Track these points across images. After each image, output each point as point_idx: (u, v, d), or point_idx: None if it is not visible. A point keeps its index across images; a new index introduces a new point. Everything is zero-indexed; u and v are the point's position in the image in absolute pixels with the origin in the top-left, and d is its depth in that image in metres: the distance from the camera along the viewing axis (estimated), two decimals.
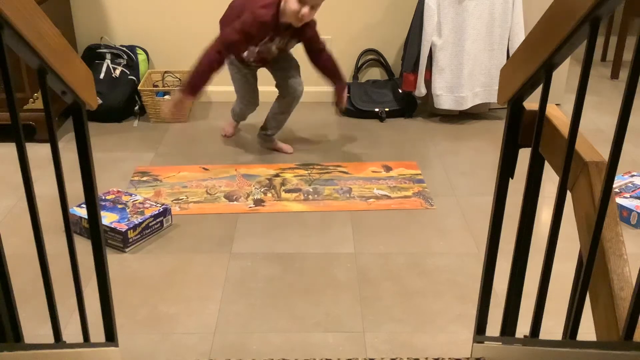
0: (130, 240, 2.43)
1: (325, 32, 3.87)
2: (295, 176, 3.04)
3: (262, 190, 2.91)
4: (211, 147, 3.35)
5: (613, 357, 0.96)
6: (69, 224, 1.40)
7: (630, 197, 2.73)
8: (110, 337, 1.63)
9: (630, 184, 2.85)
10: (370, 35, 3.89)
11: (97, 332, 1.60)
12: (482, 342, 1.59)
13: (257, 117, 3.41)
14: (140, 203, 2.60)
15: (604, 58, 4.86)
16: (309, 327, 2.05)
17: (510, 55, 2.49)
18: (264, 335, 2.00)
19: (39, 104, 3.13)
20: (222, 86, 3.94)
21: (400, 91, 3.75)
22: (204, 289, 2.23)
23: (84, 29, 3.81)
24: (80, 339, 1.52)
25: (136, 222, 2.45)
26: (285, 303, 2.16)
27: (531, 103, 1.37)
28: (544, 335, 1.29)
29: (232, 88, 4.02)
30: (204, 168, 3.11)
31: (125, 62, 3.71)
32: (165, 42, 3.85)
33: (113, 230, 2.42)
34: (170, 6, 3.77)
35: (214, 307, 2.12)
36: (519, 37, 3.52)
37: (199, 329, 2.03)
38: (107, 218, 2.46)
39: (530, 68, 1.23)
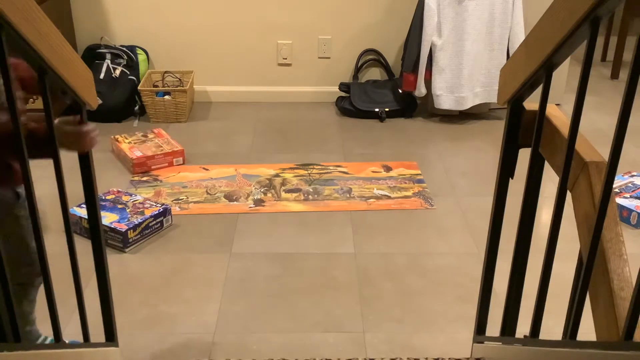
0: (130, 240, 2.43)
1: (325, 32, 3.88)
2: (295, 176, 3.04)
3: (262, 190, 2.91)
4: (211, 147, 3.35)
5: (613, 357, 0.96)
6: (69, 224, 1.40)
7: (630, 197, 2.73)
8: (110, 337, 1.63)
9: (630, 184, 2.84)
10: (370, 35, 3.89)
11: (97, 332, 1.60)
12: (482, 342, 1.59)
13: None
14: (140, 203, 2.60)
15: (604, 58, 4.86)
16: (309, 327, 2.05)
17: (510, 55, 2.49)
18: (264, 335, 2.00)
19: (39, 104, 3.13)
20: (221, 86, 3.95)
21: (400, 91, 3.75)
22: (204, 289, 2.22)
23: (84, 29, 3.81)
24: (80, 339, 1.52)
25: (136, 222, 2.45)
26: (285, 303, 2.16)
27: (531, 103, 1.37)
28: (544, 335, 1.29)
29: (232, 88, 4.04)
30: (204, 168, 3.11)
31: (125, 62, 3.70)
32: (165, 42, 3.85)
33: (113, 230, 2.41)
34: (170, 6, 3.77)
35: (214, 307, 2.12)
36: (519, 37, 3.52)
37: (199, 329, 2.03)
38: (107, 218, 2.46)
39: (530, 68, 1.23)
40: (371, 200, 2.85)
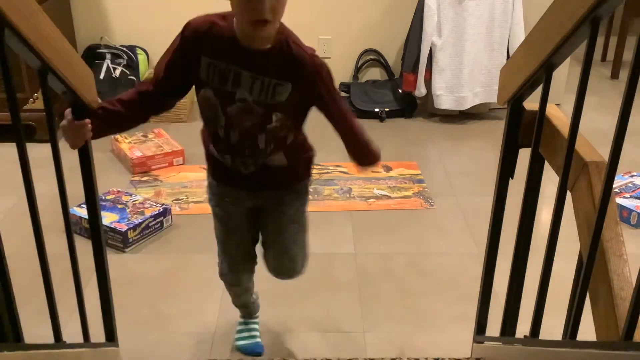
0: (130, 240, 2.43)
1: (325, 32, 3.87)
2: None
3: None
4: None
5: (613, 357, 0.96)
6: (69, 224, 1.40)
7: (630, 197, 2.73)
8: (110, 337, 1.63)
9: (630, 184, 2.85)
10: (370, 35, 3.89)
11: (97, 332, 1.60)
12: (482, 342, 1.59)
13: None
14: (140, 203, 2.60)
15: (604, 58, 4.86)
16: (309, 327, 2.04)
17: (510, 55, 2.49)
18: (264, 335, 2.00)
19: (39, 104, 3.13)
20: None
21: (400, 91, 3.75)
22: (204, 289, 2.22)
23: (84, 29, 3.81)
24: (80, 339, 1.52)
25: (136, 222, 2.45)
26: (285, 303, 2.16)
27: (531, 103, 1.37)
28: (544, 335, 1.29)
29: None
30: (204, 168, 3.10)
31: (125, 62, 3.70)
32: (165, 42, 3.82)
33: (113, 230, 2.41)
34: (170, 6, 3.77)
35: (214, 307, 2.12)
36: (519, 37, 3.52)
37: (199, 329, 2.02)
38: (107, 218, 2.46)
39: (530, 68, 1.24)
40: (371, 200, 2.85)
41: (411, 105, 3.80)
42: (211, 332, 2.01)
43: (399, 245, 2.51)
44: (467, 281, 2.26)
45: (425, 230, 2.62)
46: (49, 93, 1.25)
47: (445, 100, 3.60)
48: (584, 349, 1.06)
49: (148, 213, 2.52)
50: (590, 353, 1.03)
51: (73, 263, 1.42)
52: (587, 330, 1.13)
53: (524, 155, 1.39)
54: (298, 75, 1.44)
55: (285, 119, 1.49)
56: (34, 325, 1.69)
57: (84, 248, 1.55)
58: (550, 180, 1.38)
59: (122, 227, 2.42)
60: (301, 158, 1.68)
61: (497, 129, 3.63)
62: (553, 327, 1.34)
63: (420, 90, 3.62)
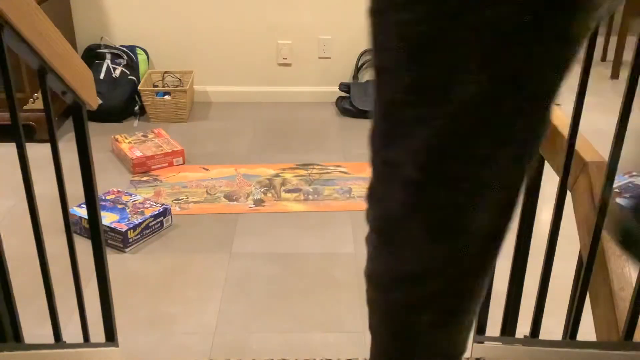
0: (130, 240, 2.43)
1: (325, 32, 3.88)
2: (295, 176, 3.04)
3: (262, 190, 2.91)
4: (211, 147, 3.35)
5: (613, 357, 0.96)
6: (69, 224, 1.40)
7: (630, 197, 2.74)
8: (110, 337, 1.63)
9: (630, 184, 2.85)
10: None
11: (97, 332, 1.60)
12: (482, 342, 1.59)
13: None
14: (140, 203, 2.61)
15: (604, 58, 4.86)
16: (309, 327, 2.05)
17: None
18: (264, 335, 2.00)
19: (39, 104, 3.13)
20: (221, 86, 3.95)
21: None
22: (204, 289, 2.23)
23: (84, 29, 3.81)
24: (80, 339, 1.52)
25: (136, 222, 2.45)
26: (285, 303, 2.16)
27: None
28: (544, 335, 1.29)
29: (232, 88, 4.07)
30: (204, 168, 3.11)
31: (125, 62, 3.70)
32: (165, 42, 3.85)
33: (113, 230, 2.42)
34: (170, 6, 3.77)
35: (214, 307, 2.13)
36: None
37: (199, 329, 2.03)
38: (107, 218, 2.46)
39: None
40: None
41: None
42: (211, 332, 2.01)
43: None
44: None
45: None
46: (49, 93, 1.25)
47: None
48: (584, 349, 1.06)
49: (148, 213, 2.52)
50: (590, 353, 1.03)
51: (73, 263, 1.43)
52: (587, 331, 1.13)
53: None
54: None
55: None
56: (34, 325, 1.70)
57: (84, 248, 1.55)
58: (550, 180, 1.38)
59: (122, 227, 2.42)
60: None
61: None
62: (553, 327, 1.34)
63: None
